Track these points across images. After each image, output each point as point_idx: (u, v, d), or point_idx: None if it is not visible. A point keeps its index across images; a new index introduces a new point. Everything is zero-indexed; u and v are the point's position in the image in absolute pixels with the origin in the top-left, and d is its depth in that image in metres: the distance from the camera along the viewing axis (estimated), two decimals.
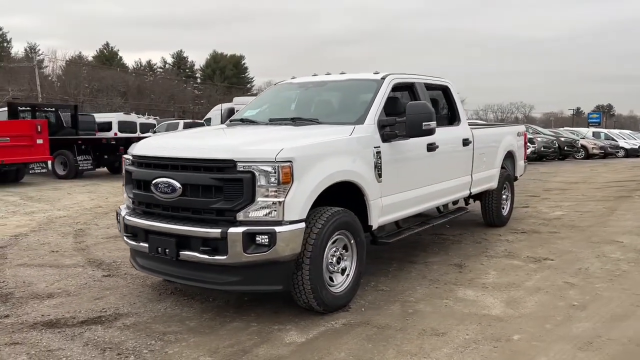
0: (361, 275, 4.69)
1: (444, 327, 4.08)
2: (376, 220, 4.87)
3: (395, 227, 5.69)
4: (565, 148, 25.94)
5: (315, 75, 6.18)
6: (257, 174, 3.88)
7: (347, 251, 4.54)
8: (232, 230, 3.86)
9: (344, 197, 4.64)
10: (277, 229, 3.85)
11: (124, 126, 25.37)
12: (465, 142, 6.44)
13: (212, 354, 3.61)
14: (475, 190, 6.89)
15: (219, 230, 3.88)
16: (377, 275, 5.47)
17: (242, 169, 3.91)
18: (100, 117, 28.45)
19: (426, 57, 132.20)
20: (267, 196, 3.89)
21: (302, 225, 3.98)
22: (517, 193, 11.57)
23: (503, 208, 7.97)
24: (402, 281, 5.26)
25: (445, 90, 6.59)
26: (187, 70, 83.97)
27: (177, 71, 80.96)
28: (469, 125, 6.93)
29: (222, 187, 3.95)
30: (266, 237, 3.84)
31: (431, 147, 5.64)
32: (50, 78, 69.63)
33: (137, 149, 4.59)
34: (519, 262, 5.93)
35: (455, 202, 6.88)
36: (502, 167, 7.91)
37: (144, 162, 4.43)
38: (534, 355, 3.58)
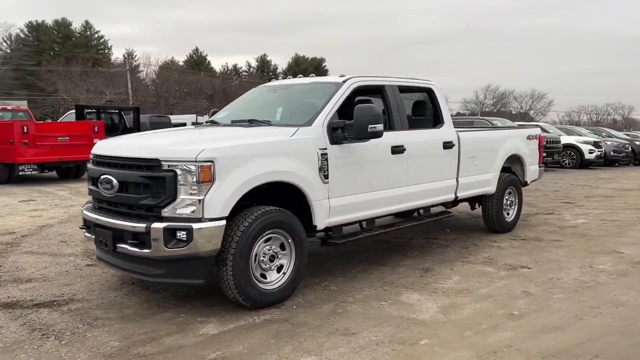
0: (301, 274, 4.79)
1: (359, 328, 4.11)
2: (322, 220, 4.96)
3: (359, 228, 5.75)
4: None
5: (291, 77, 6.34)
6: (179, 172, 4.12)
7: (284, 250, 4.67)
8: (154, 225, 4.12)
9: (289, 197, 4.78)
10: (195, 225, 4.06)
11: None
12: (447, 145, 6.33)
13: (123, 340, 3.88)
14: (463, 194, 6.74)
15: (144, 225, 4.16)
16: (337, 275, 5.54)
17: (166, 167, 4.16)
18: (175, 119, 30.10)
19: (515, 56, 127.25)
20: (188, 194, 4.12)
21: (223, 222, 4.17)
22: (553, 199, 11.14)
23: (508, 214, 7.71)
24: (356, 282, 5.30)
25: (429, 93, 6.51)
26: (270, 74, 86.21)
27: (260, 74, 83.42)
28: (459, 127, 6.79)
29: (149, 184, 4.23)
30: (184, 233, 4.07)
31: (397, 150, 5.63)
32: (144, 82, 74.21)
33: (94, 148, 4.98)
34: (491, 269, 5.77)
35: (455, 204, 6.80)
36: (507, 171, 7.67)
37: (95, 160, 4.81)
38: None
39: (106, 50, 74.09)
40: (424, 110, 6.49)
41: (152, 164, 4.23)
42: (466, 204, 7.54)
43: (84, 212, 4.88)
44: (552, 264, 6.00)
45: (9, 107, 18.64)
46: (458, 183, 6.60)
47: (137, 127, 19.39)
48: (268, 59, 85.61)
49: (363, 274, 5.61)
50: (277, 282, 4.62)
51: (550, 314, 4.43)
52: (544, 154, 17.78)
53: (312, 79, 6.00)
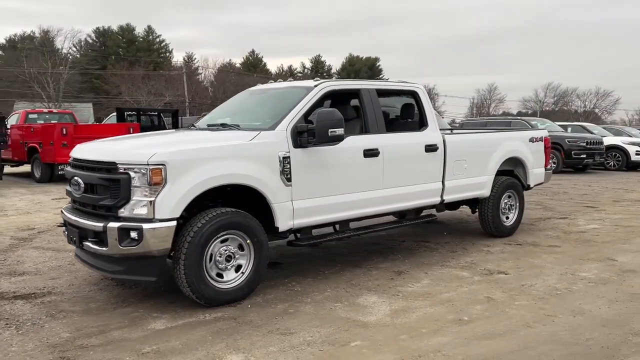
0: (261, 274, 4.93)
1: (300, 328, 4.21)
2: (286, 222, 5.08)
3: (333, 230, 5.83)
4: None
5: (273, 81, 6.49)
6: (132, 175, 4.36)
7: (242, 250, 4.83)
8: (110, 225, 4.38)
9: (253, 199, 4.94)
10: (146, 225, 4.29)
11: None
12: (430, 148, 6.29)
13: (74, 332, 4.15)
14: (451, 197, 6.68)
15: (102, 225, 4.42)
16: (308, 275, 5.64)
17: (121, 170, 4.41)
18: None
19: (577, 53, 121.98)
20: (141, 196, 4.35)
21: (173, 223, 4.37)
22: (577, 202, 10.76)
23: (507, 218, 7.56)
24: (324, 283, 5.39)
25: (414, 96, 6.48)
26: (325, 74, 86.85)
27: (314, 75, 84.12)
28: (449, 130, 6.72)
29: (108, 186, 4.49)
30: (136, 232, 4.30)
31: (370, 153, 5.67)
32: (203, 84, 76.47)
33: (72, 151, 5.31)
34: (466, 274, 5.70)
35: (452, 207, 6.74)
36: (507, 174, 7.52)
37: (71, 162, 5.14)
38: None
39: (167, 54, 76.77)
40: (406, 113, 6.48)
41: (110, 167, 4.49)
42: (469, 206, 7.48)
43: (62, 211, 5.21)
44: (533, 270, 5.86)
45: (55, 110, 19.78)
46: (444, 186, 6.53)
47: (175, 128, 20.10)
48: (322, 59, 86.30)
49: (335, 275, 5.69)
50: (234, 282, 4.78)
51: (500, 320, 4.37)
52: (583, 155, 17.25)
53: (287, 84, 6.13)
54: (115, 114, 19.11)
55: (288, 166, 5.02)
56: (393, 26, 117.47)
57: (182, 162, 4.45)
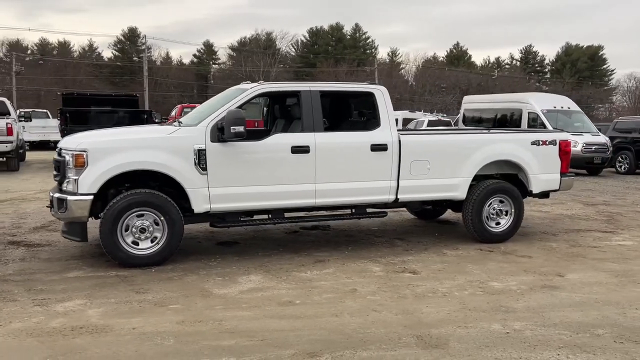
0: (175, 246, 5.92)
1: (157, 289, 5.13)
2: (201, 205, 5.99)
3: (266, 217, 6.52)
4: None
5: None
6: (67, 159, 5.74)
7: (158, 225, 5.89)
8: (55, 195, 5.83)
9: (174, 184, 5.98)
10: (70, 197, 5.64)
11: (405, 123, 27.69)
12: (377, 148, 6.52)
13: (29, 291, 5.68)
14: (409, 197, 6.78)
15: (51, 195, 5.90)
16: (236, 255, 6.44)
17: (63, 155, 5.82)
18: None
19: None
20: (71, 174, 5.70)
21: (90, 197, 5.63)
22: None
23: (497, 223, 7.24)
24: (237, 263, 6.14)
25: (370, 98, 6.73)
26: (536, 65, 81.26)
27: (523, 66, 79.32)
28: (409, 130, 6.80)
29: (59, 167, 5.94)
30: (64, 202, 5.68)
31: (299, 150, 6.22)
32: (405, 78, 77.96)
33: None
34: (377, 269, 5.92)
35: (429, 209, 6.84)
36: (506, 179, 7.26)
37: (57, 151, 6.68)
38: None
39: (372, 50, 79.70)
40: (360, 114, 6.79)
41: (59, 152, 5.94)
42: None
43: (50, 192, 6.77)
44: (449, 273, 5.80)
45: (197, 106, 22.84)
46: (399, 185, 6.68)
47: None
48: (534, 49, 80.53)
49: (260, 258, 6.36)
50: (147, 250, 5.87)
51: (325, 307, 4.71)
52: None
53: (240, 86, 6.90)
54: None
55: (203, 157, 5.91)
56: (619, 9, 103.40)
57: (100, 150, 5.69)
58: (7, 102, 16.59)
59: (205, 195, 5.97)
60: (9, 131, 13.63)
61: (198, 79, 76.33)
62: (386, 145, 6.57)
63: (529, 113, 17.46)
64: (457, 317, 4.52)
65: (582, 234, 7.93)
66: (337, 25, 78.15)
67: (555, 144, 7.39)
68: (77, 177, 5.64)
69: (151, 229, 5.88)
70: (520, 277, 5.70)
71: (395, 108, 42.42)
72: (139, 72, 62.41)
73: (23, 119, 19.09)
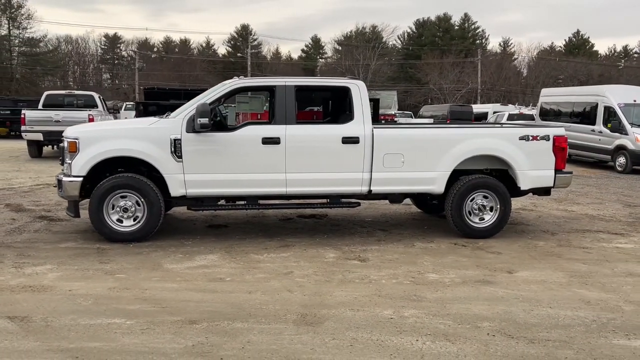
0: (153, 225, 6.62)
1: (119, 261, 5.85)
2: (177, 190, 6.63)
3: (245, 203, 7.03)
4: None
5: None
6: (65, 145, 6.65)
7: (139, 206, 6.63)
8: (59, 177, 6.76)
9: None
10: (65, 179, 6.55)
11: (479, 116, 26.91)
12: (348, 140, 6.75)
13: (18, 256, 6.69)
14: (383, 189, 6.93)
15: (57, 177, 6.86)
16: (219, 239, 7.02)
17: (64, 141, 6.73)
18: (478, 108, 30.93)
19: None
20: (67, 159, 6.60)
21: (80, 179, 6.48)
22: None
23: (481, 219, 7.15)
24: (208, 243, 6.71)
25: (346, 92, 6.97)
26: None
27: None
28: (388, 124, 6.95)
29: (62, 152, 6.88)
30: (61, 183, 6.60)
31: (270, 141, 6.65)
32: (518, 70, 74.39)
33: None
34: (330, 255, 6.20)
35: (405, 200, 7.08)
36: (492, 174, 7.20)
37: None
38: None
39: (482, 40, 76.89)
40: (334, 107, 7.04)
41: (62, 139, 6.87)
42: None
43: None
44: (389, 262, 5.95)
45: None
46: (372, 177, 6.87)
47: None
48: None
49: (232, 240, 6.88)
50: (129, 228, 6.63)
51: (239, 284, 5.13)
52: None
53: (226, 81, 7.40)
54: None
55: (179, 146, 6.54)
56: None
57: (89, 139, 6.53)
58: (95, 96, 18.59)
59: (180, 180, 6.59)
60: (90, 121, 15.31)
61: (306, 73, 78.41)
62: (358, 138, 6.78)
63: (604, 107, 16.33)
64: (359, 302, 4.73)
65: (585, 235, 7.55)
66: (445, 16, 76.33)
67: (547, 140, 7.13)
68: (70, 162, 6.51)
69: (133, 209, 6.61)
70: (465, 272, 5.70)
71: (503, 102, 40.70)
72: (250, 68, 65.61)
73: (112, 111, 21.26)
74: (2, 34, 62.88)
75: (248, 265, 5.80)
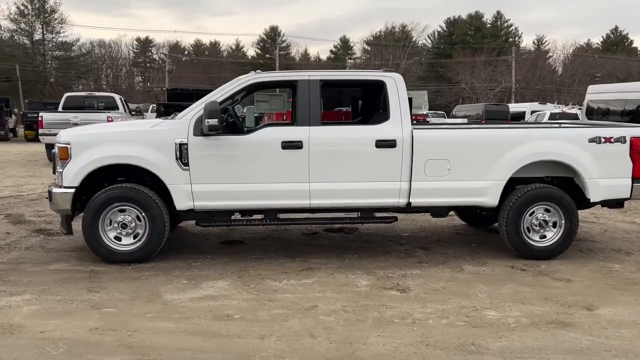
0: (157, 243, 5.66)
1: (111, 289, 4.92)
2: (184, 203, 5.67)
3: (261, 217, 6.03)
4: None
5: None
6: (55, 151, 5.75)
7: (140, 221, 5.69)
8: (50, 188, 5.87)
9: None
10: (54, 190, 5.65)
11: (515, 116, 25.50)
12: (383, 144, 5.68)
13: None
14: (424, 201, 5.84)
15: (48, 188, 5.97)
16: (234, 260, 6.05)
17: (56, 147, 5.83)
18: (514, 107, 29.44)
19: None
20: (59, 167, 5.70)
21: (72, 190, 5.57)
22: None
23: (543, 237, 6.00)
24: (219, 265, 5.74)
25: (380, 87, 5.90)
26: None
27: None
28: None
29: (54, 159, 5.99)
30: (50, 195, 5.70)
31: (291, 145, 5.64)
32: (553, 68, 71.91)
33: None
34: (363, 282, 5.15)
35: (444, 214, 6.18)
36: (557, 184, 6.07)
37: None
38: None
39: (515, 39, 74.67)
40: (367, 105, 6.01)
41: (55, 145, 5.97)
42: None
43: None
44: (434, 293, 4.85)
45: None
46: (411, 187, 5.79)
47: None
48: None
49: (246, 261, 5.88)
50: (129, 246, 5.69)
51: (250, 320, 4.13)
52: None
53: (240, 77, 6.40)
54: None
55: (185, 152, 5.57)
56: None
57: (82, 144, 5.60)
58: (117, 97, 17.88)
59: (187, 191, 5.63)
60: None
61: None
62: (394, 141, 5.71)
63: None
64: (401, 355, 3.68)
65: None
66: (477, 14, 74.42)
67: (624, 142, 5.93)
68: (61, 170, 5.61)
69: (133, 224, 5.67)
70: (531, 307, 4.58)
71: (538, 100, 38.96)
72: (278, 69, 64.96)
73: (135, 113, 20.61)
74: (36, 38, 63.74)
75: (263, 297, 4.79)
